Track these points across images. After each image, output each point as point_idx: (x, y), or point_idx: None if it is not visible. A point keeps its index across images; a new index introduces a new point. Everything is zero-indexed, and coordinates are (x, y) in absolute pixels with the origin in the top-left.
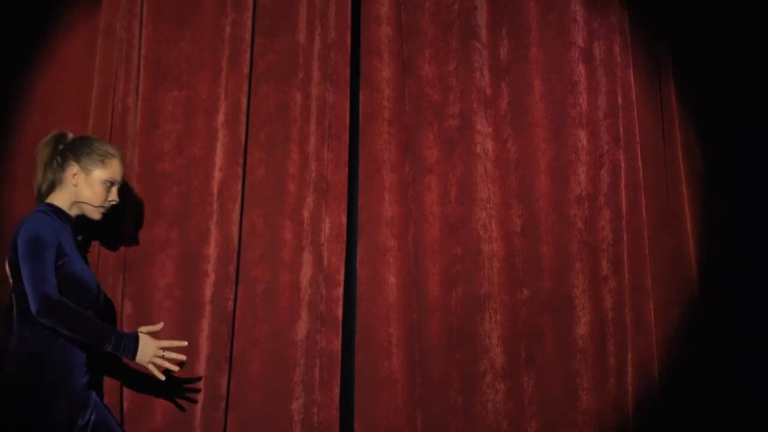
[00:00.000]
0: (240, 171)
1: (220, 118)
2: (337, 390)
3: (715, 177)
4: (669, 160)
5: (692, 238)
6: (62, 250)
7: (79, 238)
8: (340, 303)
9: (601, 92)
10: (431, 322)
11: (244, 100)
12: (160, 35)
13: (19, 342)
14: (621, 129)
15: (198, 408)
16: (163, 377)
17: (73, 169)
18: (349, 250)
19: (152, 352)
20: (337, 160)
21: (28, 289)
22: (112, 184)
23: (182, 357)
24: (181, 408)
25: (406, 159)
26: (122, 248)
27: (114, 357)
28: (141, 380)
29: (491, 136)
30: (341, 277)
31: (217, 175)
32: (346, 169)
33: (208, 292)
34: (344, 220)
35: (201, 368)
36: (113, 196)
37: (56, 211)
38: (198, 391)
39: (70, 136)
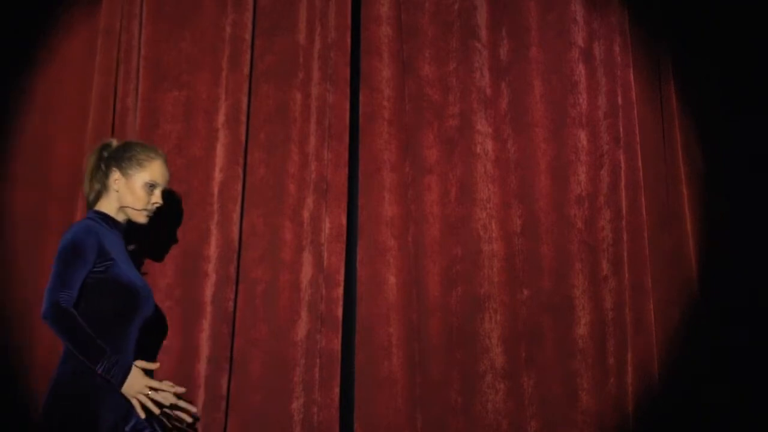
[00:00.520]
0: (240, 171)
1: (220, 118)
2: (337, 390)
3: (715, 177)
4: (669, 160)
5: (692, 238)
6: (106, 255)
7: (131, 247)
8: (340, 303)
9: (601, 92)
10: (431, 322)
11: (245, 100)
12: (159, 35)
13: (69, 347)
14: (621, 129)
15: (198, 408)
16: (143, 415)
17: (114, 174)
18: (349, 250)
19: (138, 388)
20: (337, 160)
21: (46, 287)
22: (154, 186)
23: (173, 399)
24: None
25: (406, 159)
26: None
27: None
28: None
29: (491, 136)
30: (341, 277)
31: (218, 175)
32: (346, 169)
33: (208, 292)
34: (344, 220)
35: (202, 368)
36: (156, 198)
37: (104, 217)
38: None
39: (115, 143)
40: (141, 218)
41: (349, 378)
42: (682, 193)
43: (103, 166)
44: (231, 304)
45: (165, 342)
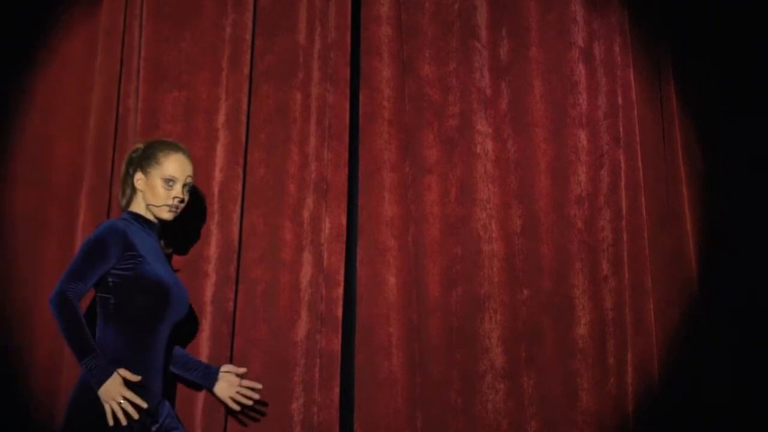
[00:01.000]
0: (240, 171)
1: (220, 118)
2: (337, 390)
3: (715, 177)
4: (669, 160)
5: (692, 238)
6: (135, 253)
7: (169, 250)
8: (340, 303)
9: (601, 92)
10: (431, 322)
11: (245, 100)
12: (160, 35)
13: (100, 342)
14: (621, 129)
15: (198, 408)
16: (111, 422)
17: (138, 175)
18: (349, 250)
19: (113, 394)
20: (337, 160)
21: (62, 275)
22: (172, 181)
23: (136, 415)
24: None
25: (406, 159)
26: None
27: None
28: None
29: (491, 136)
30: (341, 277)
31: (218, 175)
32: (346, 169)
33: (208, 292)
34: (344, 220)
35: None
36: (176, 193)
37: (136, 217)
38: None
39: (142, 146)
40: (164, 214)
41: (349, 378)
42: (682, 193)
43: (130, 170)
44: (231, 304)
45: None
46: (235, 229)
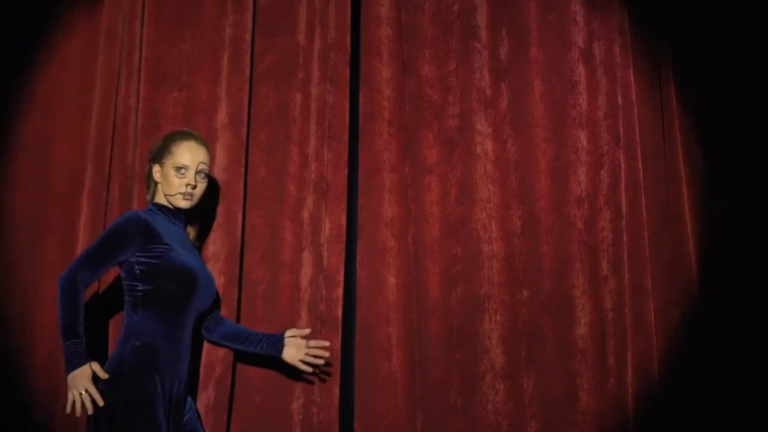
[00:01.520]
0: (243, 172)
1: (220, 118)
2: (336, 390)
3: (715, 177)
4: (669, 160)
5: (692, 238)
6: (160, 241)
7: (197, 243)
8: (340, 303)
9: (601, 92)
10: (431, 323)
11: (246, 101)
12: (160, 36)
13: (129, 328)
14: (621, 129)
15: (201, 410)
16: (68, 410)
17: (155, 167)
18: (349, 251)
19: (78, 384)
20: (337, 161)
21: (77, 257)
22: (184, 169)
23: (90, 410)
24: None
25: (406, 159)
26: None
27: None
28: None
29: (491, 137)
30: (341, 278)
31: (220, 176)
32: (346, 170)
33: None
34: (344, 221)
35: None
36: (188, 180)
37: (161, 208)
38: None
39: (161, 141)
40: (179, 203)
41: (349, 378)
42: (682, 193)
43: (149, 166)
44: (235, 304)
45: None
46: (239, 230)
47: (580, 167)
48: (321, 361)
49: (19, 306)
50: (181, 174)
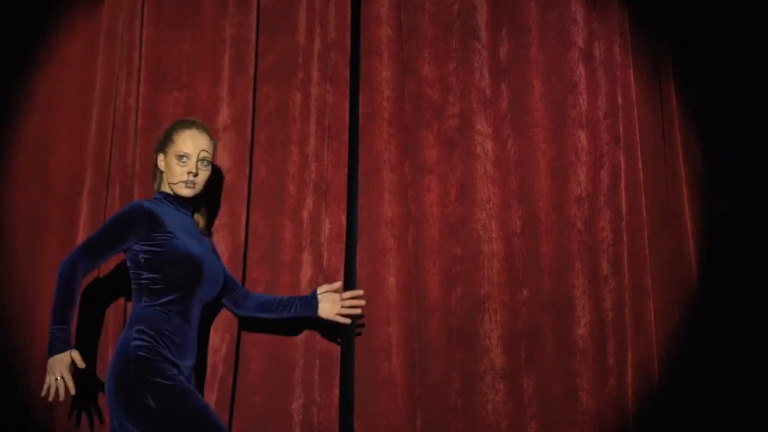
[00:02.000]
0: (247, 172)
1: (221, 119)
2: (336, 390)
3: (715, 177)
4: (669, 160)
5: (692, 238)
6: (163, 229)
7: (207, 233)
8: None
9: (601, 92)
10: (431, 323)
11: (250, 101)
12: (160, 36)
13: (135, 315)
14: (621, 129)
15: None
16: (43, 393)
17: (160, 157)
18: (348, 251)
19: (55, 369)
20: (336, 161)
21: (79, 244)
22: (186, 157)
23: (62, 397)
24: None
25: (405, 159)
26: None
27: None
28: None
29: (491, 137)
30: (341, 278)
31: (225, 176)
32: (346, 170)
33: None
34: (344, 221)
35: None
36: (189, 168)
37: (166, 196)
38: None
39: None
40: (182, 191)
41: (349, 378)
42: (682, 193)
43: (155, 155)
44: None
45: None
46: (242, 231)
47: (580, 167)
48: (358, 311)
49: (19, 306)
50: (183, 162)
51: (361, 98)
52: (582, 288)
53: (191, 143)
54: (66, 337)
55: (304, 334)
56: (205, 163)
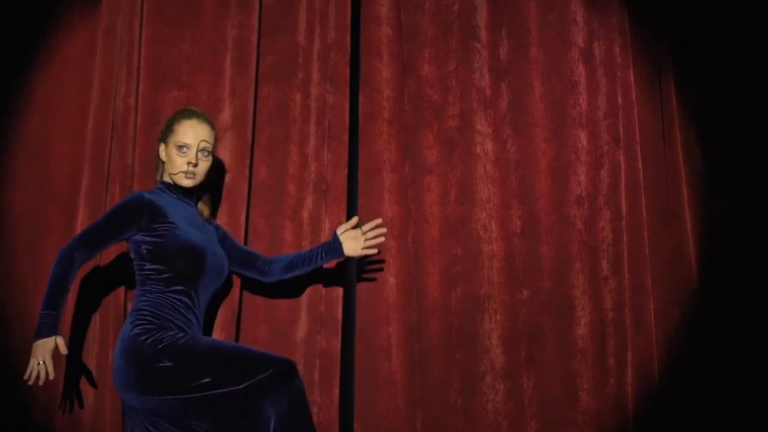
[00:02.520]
0: (247, 173)
1: (222, 119)
2: (336, 390)
3: (715, 177)
4: (669, 160)
5: (692, 238)
6: (162, 219)
7: (212, 222)
8: (340, 303)
9: (601, 92)
10: (431, 323)
11: (252, 102)
12: (160, 35)
13: (139, 305)
14: (621, 129)
15: None
16: (26, 376)
17: (161, 147)
18: None
19: (39, 353)
20: (336, 161)
21: (80, 232)
22: (186, 147)
23: (42, 380)
24: None
25: (405, 159)
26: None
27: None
28: None
29: (491, 137)
30: (341, 278)
31: (226, 176)
32: (346, 170)
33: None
34: (344, 221)
35: None
36: (189, 158)
37: (168, 186)
38: None
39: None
40: (182, 181)
41: (348, 378)
42: (682, 193)
43: (158, 146)
44: (237, 305)
45: None
46: (242, 231)
47: (580, 167)
48: (382, 239)
49: (19, 306)
50: (182, 152)
51: (361, 98)
52: (582, 288)
53: (191, 133)
54: (53, 322)
55: (303, 335)
56: (206, 153)
